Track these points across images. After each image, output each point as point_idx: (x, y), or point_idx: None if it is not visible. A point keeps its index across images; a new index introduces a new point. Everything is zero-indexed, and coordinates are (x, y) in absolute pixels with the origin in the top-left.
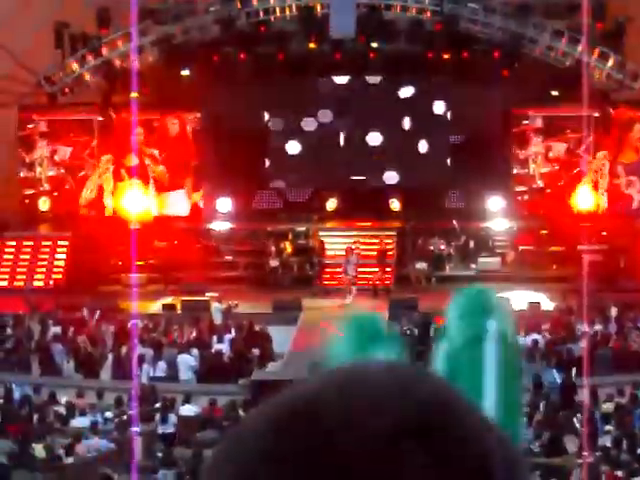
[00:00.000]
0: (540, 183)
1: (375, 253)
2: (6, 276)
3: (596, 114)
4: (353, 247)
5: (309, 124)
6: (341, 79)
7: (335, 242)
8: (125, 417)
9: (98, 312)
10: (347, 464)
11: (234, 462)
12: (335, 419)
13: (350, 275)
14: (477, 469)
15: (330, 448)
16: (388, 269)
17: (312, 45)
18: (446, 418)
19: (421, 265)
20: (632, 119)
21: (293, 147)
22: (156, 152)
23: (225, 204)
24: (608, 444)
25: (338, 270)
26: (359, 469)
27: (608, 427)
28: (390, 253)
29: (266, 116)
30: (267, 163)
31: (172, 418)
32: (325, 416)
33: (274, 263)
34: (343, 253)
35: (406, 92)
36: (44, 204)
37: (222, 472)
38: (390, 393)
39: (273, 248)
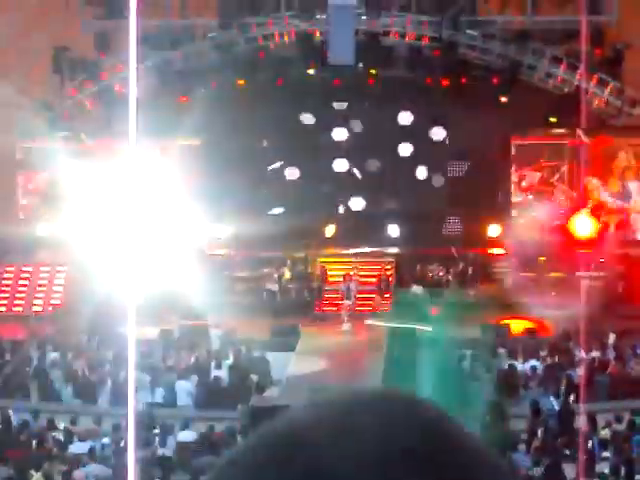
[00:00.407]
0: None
1: (374, 280)
2: (5, 301)
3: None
4: (352, 274)
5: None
6: (340, 105)
7: (333, 268)
8: (123, 443)
9: (97, 337)
10: None
11: None
12: (331, 448)
13: (350, 302)
14: None
15: (326, 475)
16: (387, 295)
17: (311, 71)
18: (443, 445)
19: (417, 289)
20: (616, 148)
21: (292, 173)
22: None
23: (223, 230)
24: (606, 471)
25: (335, 296)
26: None
27: (606, 454)
28: (390, 280)
29: (265, 142)
30: (265, 189)
31: (171, 441)
32: (321, 446)
33: (273, 287)
34: (341, 279)
35: (404, 118)
36: (42, 230)
37: None
38: (382, 420)
39: (275, 274)
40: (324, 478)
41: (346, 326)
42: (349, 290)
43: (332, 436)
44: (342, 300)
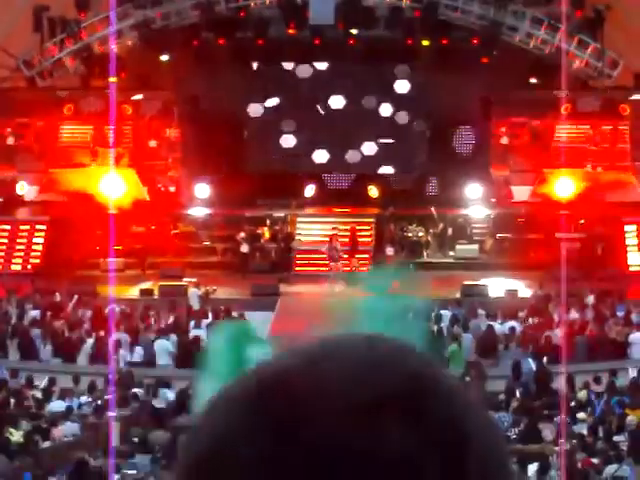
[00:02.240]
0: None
1: (357, 240)
2: None
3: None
4: (327, 234)
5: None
6: (321, 65)
7: (313, 229)
8: (101, 402)
9: (75, 297)
10: (324, 434)
11: (205, 444)
12: (309, 389)
13: (337, 261)
14: (455, 449)
15: (305, 419)
16: (365, 255)
17: (291, 31)
18: (431, 392)
19: (389, 251)
20: None
21: (273, 131)
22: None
23: (203, 190)
24: (584, 432)
25: (314, 257)
26: (337, 438)
27: (583, 415)
28: (362, 240)
29: (246, 101)
30: (245, 148)
31: (166, 394)
32: (297, 387)
33: (244, 249)
34: (319, 239)
35: (384, 80)
36: (21, 189)
37: (194, 453)
38: (372, 363)
39: (242, 234)
40: (302, 428)
41: (338, 287)
42: (336, 251)
43: (311, 383)
44: (330, 261)
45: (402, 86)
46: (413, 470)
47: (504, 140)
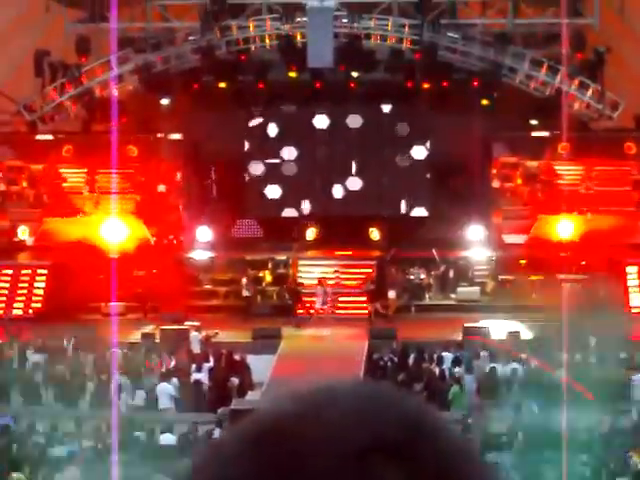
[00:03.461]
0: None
1: (355, 283)
2: None
3: None
4: (326, 277)
5: (291, 152)
6: (321, 119)
7: (315, 271)
8: (103, 446)
9: (73, 339)
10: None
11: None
12: (304, 437)
13: (324, 305)
14: None
15: (299, 466)
16: (364, 298)
17: (292, 74)
18: (422, 438)
19: (392, 294)
20: None
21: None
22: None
23: (205, 233)
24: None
25: (315, 299)
26: None
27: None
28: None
29: (246, 145)
30: (247, 190)
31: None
32: (293, 434)
33: (246, 293)
34: (319, 283)
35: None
36: (23, 233)
37: None
38: (361, 411)
39: (245, 280)
40: (299, 469)
41: (326, 331)
42: (324, 294)
43: (309, 426)
44: (318, 304)
45: (402, 128)
46: None
47: (496, 184)
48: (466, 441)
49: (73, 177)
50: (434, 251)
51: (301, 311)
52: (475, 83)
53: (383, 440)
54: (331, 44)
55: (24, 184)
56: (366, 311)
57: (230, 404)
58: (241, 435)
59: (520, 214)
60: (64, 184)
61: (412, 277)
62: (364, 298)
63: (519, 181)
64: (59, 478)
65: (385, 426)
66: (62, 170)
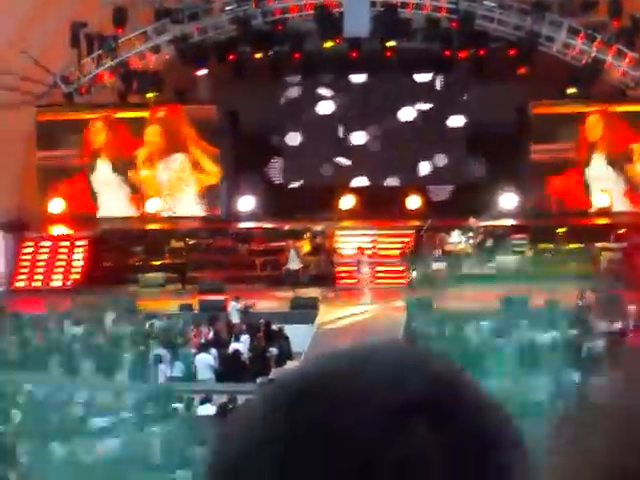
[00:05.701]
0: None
1: (393, 252)
2: (24, 276)
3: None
4: (364, 247)
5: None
6: (358, 77)
7: (353, 241)
8: (142, 417)
9: (111, 311)
10: (354, 438)
11: (240, 444)
12: (343, 394)
13: (364, 275)
14: (478, 457)
15: (337, 423)
16: (405, 267)
17: (328, 44)
18: (455, 396)
19: (438, 265)
20: None
21: (308, 145)
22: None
23: (244, 203)
24: None
25: (353, 269)
26: (366, 443)
27: None
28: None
29: (283, 115)
30: (284, 162)
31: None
32: (333, 392)
33: (293, 260)
34: (357, 253)
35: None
36: (55, 206)
37: (227, 453)
38: (399, 369)
39: (293, 252)
40: (330, 429)
41: (365, 299)
42: (363, 263)
43: (340, 386)
44: (358, 273)
45: (439, 96)
46: (435, 473)
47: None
48: (499, 403)
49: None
50: (472, 220)
51: (340, 281)
52: (512, 52)
53: (417, 398)
54: (368, 13)
55: None
56: (404, 280)
57: (269, 374)
58: (271, 397)
59: None
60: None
61: (450, 246)
62: (402, 268)
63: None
64: (98, 449)
65: (419, 384)
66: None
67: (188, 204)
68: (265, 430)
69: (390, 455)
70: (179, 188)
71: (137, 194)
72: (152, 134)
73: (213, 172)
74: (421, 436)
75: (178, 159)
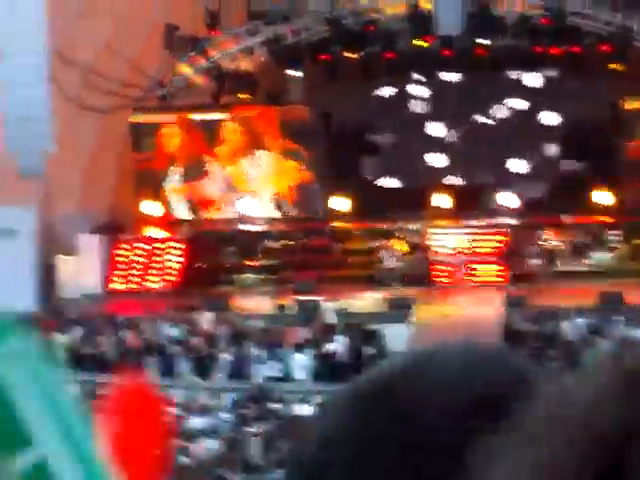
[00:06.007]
0: None
1: (487, 251)
2: (121, 278)
3: None
4: (459, 245)
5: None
6: (450, 76)
7: (447, 240)
8: (240, 418)
9: (208, 312)
10: (420, 440)
11: (317, 443)
12: (411, 396)
13: (457, 274)
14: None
15: (406, 424)
16: (502, 266)
17: (419, 43)
18: (524, 395)
19: (525, 262)
20: None
21: (404, 144)
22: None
23: (338, 203)
24: None
25: (449, 268)
26: (432, 445)
27: None
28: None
29: (377, 115)
30: (377, 161)
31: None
32: (401, 393)
33: (388, 259)
34: (452, 252)
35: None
36: (148, 208)
37: (307, 452)
38: (464, 371)
39: (387, 251)
40: (408, 424)
41: (461, 299)
42: (459, 262)
43: (413, 383)
44: (455, 272)
45: (533, 93)
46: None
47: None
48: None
49: None
50: (566, 217)
51: (436, 280)
52: (604, 48)
53: (488, 396)
54: (460, 10)
55: None
56: (501, 279)
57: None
58: (346, 394)
59: None
60: None
61: (545, 243)
62: (498, 266)
63: None
64: (197, 450)
65: (491, 383)
66: None
67: (272, 204)
68: (335, 429)
69: (450, 449)
70: (265, 186)
71: (228, 192)
72: (231, 132)
73: (296, 171)
74: (481, 438)
75: (262, 157)
